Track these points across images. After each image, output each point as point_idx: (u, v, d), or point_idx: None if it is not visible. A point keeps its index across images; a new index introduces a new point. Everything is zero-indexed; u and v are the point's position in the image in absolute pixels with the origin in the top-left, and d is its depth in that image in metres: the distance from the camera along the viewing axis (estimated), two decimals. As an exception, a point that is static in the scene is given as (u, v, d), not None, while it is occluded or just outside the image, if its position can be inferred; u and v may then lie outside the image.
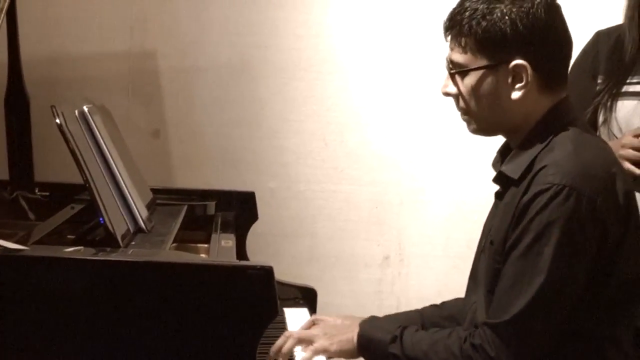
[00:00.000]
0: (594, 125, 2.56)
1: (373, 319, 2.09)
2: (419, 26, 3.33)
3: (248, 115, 3.40)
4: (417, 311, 2.23)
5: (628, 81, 2.52)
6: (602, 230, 1.79)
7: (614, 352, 1.88)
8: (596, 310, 1.85)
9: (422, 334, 1.95)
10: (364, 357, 2.01)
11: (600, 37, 2.63)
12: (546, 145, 1.87)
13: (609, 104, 2.52)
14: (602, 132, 2.55)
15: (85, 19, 3.29)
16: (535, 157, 1.86)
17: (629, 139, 2.44)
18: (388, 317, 2.19)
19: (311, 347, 2.02)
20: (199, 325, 1.85)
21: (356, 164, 3.46)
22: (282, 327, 2.34)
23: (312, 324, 2.16)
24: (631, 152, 2.42)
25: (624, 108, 2.50)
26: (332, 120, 3.44)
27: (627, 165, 2.41)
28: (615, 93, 2.52)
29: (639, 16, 2.51)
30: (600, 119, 2.55)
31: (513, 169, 1.90)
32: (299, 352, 2.04)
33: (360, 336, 2.00)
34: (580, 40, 2.64)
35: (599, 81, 2.57)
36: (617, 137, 2.50)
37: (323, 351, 2.01)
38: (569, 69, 2.59)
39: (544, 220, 1.77)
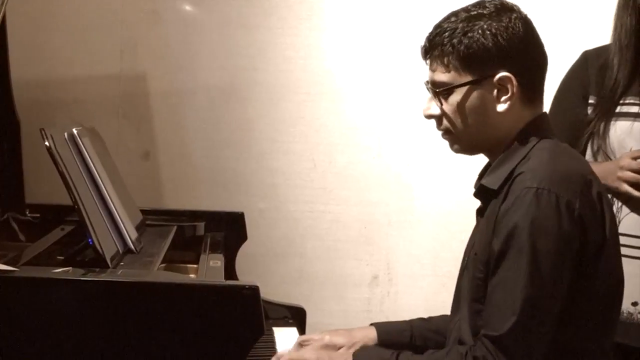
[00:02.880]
0: (584, 154, 2.55)
1: (365, 347, 2.08)
2: (407, 48, 3.36)
3: (237, 137, 3.42)
4: (406, 322, 2.24)
5: (621, 102, 2.51)
6: (581, 233, 1.81)
7: None
8: (583, 322, 1.86)
9: (418, 357, 1.93)
10: None
11: (589, 57, 2.63)
12: (524, 157, 1.89)
13: (602, 127, 2.51)
14: (598, 159, 2.53)
15: (75, 43, 3.31)
16: (514, 168, 1.88)
17: (627, 161, 2.41)
18: (380, 325, 2.22)
19: None
20: (187, 344, 1.86)
21: (345, 185, 3.48)
22: (272, 346, 2.34)
23: (300, 346, 2.15)
24: (630, 175, 2.40)
25: (618, 129, 2.49)
26: (321, 141, 3.46)
27: (625, 188, 2.40)
28: (608, 115, 2.51)
29: (635, 39, 2.50)
30: (595, 146, 2.54)
31: (492, 181, 1.92)
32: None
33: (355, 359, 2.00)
34: (565, 60, 2.68)
35: (591, 101, 2.57)
36: (611, 159, 2.49)
37: None
38: (558, 89, 2.63)
39: (525, 225, 1.78)
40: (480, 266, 1.90)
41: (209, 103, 3.41)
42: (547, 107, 2.17)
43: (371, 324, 2.24)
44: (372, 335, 2.20)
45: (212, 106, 3.41)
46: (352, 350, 2.09)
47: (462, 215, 3.39)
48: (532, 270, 1.78)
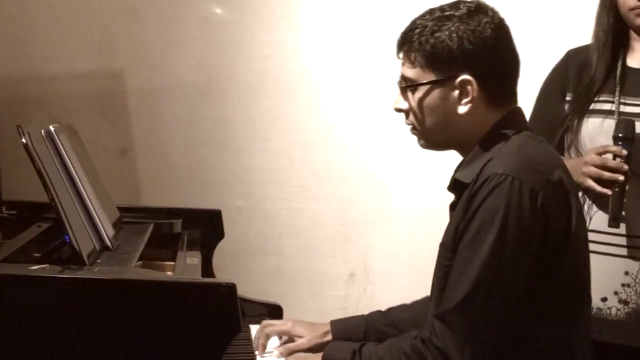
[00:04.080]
0: (562, 150, 2.58)
1: (334, 343, 2.14)
2: (384, 46, 3.35)
3: (214, 134, 3.43)
4: (362, 318, 2.29)
5: (595, 99, 2.54)
6: (544, 223, 1.83)
7: (564, 357, 1.91)
8: (541, 312, 1.88)
9: (380, 344, 1.99)
10: None
11: (570, 56, 2.66)
12: (496, 152, 1.91)
13: (575, 123, 2.54)
14: (571, 154, 2.57)
15: (52, 39, 3.31)
16: (487, 162, 1.90)
17: (592, 157, 2.43)
18: (335, 322, 2.29)
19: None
20: (164, 341, 1.86)
21: (322, 182, 3.49)
22: (248, 343, 2.35)
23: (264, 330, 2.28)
24: (593, 170, 2.41)
25: (590, 126, 2.52)
26: (299, 138, 3.47)
27: (589, 183, 2.42)
28: (582, 112, 2.54)
29: (612, 38, 2.54)
30: (567, 141, 2.58)
31: (466, 175, 1.94)
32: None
33: (324, 358, 2.05)
34: (551, 59, 2.71)
35: (568, 98, 2.60)
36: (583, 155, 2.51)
37: None
38: (541, 87, 2.66)
39: (487, 209, 1.82)
40: (448, 253, 1.93)
41: (186, 100, 3.41)
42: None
43: (331, 321, 2.30)
44: (329, 332, 2.27)
45: (190, 104, 3.41)
46: (307, 345, 2.23)
47: (439, 213, 3.36)
48: (489, 254, 1.80)
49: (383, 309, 2.33)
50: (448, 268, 1.91)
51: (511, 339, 1.87)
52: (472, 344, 1.82)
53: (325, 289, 3.50)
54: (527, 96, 2.60)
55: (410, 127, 2.03)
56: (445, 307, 1.85)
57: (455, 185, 2.00)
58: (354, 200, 3.51)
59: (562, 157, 2.50)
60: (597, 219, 2.48)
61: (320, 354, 2.08)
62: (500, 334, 1.84)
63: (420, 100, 1.95)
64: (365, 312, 2.33)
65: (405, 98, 1.99)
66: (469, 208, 1.85)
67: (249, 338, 2.39)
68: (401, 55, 2.00)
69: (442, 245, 1.98)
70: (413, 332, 1.94)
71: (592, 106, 2.54)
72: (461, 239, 1.86)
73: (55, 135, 2.30)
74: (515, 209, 1.80)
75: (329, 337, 2.26)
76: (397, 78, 2.02)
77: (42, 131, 2.26)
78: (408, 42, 1.96)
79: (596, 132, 2.52)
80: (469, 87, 1.91)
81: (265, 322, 2.36)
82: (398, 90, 2.03)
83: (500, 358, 1.87)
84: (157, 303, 1.88)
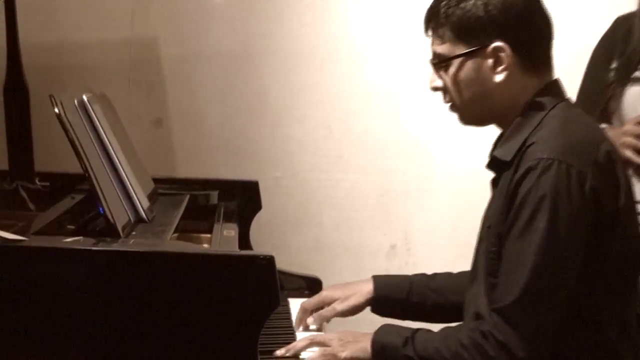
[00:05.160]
0: (607, 117, 2.56)
1: (385, 325, 2.09)
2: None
3: (251, 104, 3.40)
4: (407, 278, 2.29)
5: (639, 67, 2.52)
6: (594, 205, 1.82)
7: (621, 338, 1.90)
8: (602, 293, 1.88)
9: (434, 333, 1.97)
10: None
11: (618, 22, 2.64)
12: (536, 126, 1.90)
13: (618, 91, 2.53)
14: (614, 123, 2.55)
15: (85, 6, 3.29)
16: (526, 138, 1.89)
17: (631, 127, 2.43)
18: (378, 278, 2.28)
19: (322, 350, 2.03)
20: (200, 315, 1.86)
21: (361, 152, 3.46)
22: (287, 317, 2.36)
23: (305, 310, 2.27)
24: (630, 140, 2.41)
25: (631, 94, 2.50)
26: (337, 108, 3.44)
27: (628, 154, 2.42)
28: (625, 80, 2.53)
29: None
30: (611, 111, 2.56)
31: (505, 152, 1.93)
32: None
33: (373, 343, 2.01)
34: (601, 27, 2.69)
35: (613, 66, 2.58)
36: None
37: (333, 356, 2.02)
38: (590, 55, 2.63)
39: (536, 196, 1.80)
40: (494, 239, 1.92)
41: (222, 69, 3.39)
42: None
43: (373, 276, 2.30)
44: (368, 288, 2.27)
45: (226, 72, 3.39)
46: (345, 304, 2.23)
47: (483, 183, 3.35)
48: (542, 242, 1.79)
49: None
50: (494, 254, 1.91)
51: (571, 322, 1.86)
52: (534, 337, 1.82)
53: (365, 262, 3.48)
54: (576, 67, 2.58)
55: (449, 105, 2.02)
56: (504, 301, 1.84)
57: (494, 163, 1.99)
58: (394, 171, 3.48)
59: (606, 126, 2.49)
60: (637, 190, 2.44)
61: (369, 334, 2.05)
62: (560, 321, 1.84)
63: (455, 76, 1.95)
64: (407, 287, 2.31)
65: (440, 76, 2.00)
66: (516, 196, 1.84)
67: (288, 312, 2.39)
68: (429, 32, 2.00)
69: (488, 228, 1.97)
70: (471, 323, 1.94)
71: (635, 74, 2.53)
72: (511, 228, 1.85)
73: (88, 104, 2.30)
74: (565, 194, 1.79)
75: (367, 295, 2.25)
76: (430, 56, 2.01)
77: (75, 100, 2.26)
78: (434, 18, 1.96)
79: (637, 100, 2.50)
80: (502, 54, 1.90)
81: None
82: (432, 70, 2.02)
83: (563, 343, 1.87)
84: (194, 276, 1.87)
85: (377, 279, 2.29)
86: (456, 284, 2.21)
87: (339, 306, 2.25)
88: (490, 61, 1.91)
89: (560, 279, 1.82)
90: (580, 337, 1.89)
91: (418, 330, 1.98)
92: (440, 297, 2.22)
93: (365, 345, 2.01)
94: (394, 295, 2.25)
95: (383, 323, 2.09)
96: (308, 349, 2.06)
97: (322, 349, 2.04)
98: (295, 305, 2.44)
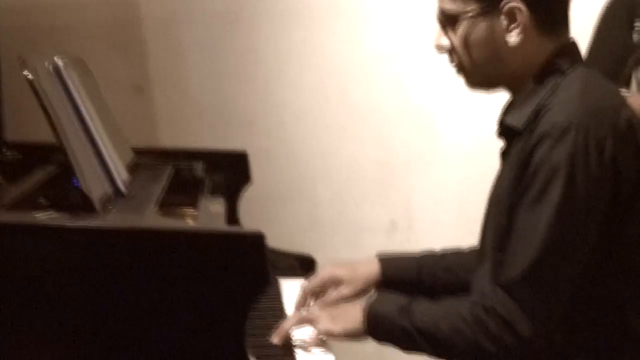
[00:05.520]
0: (627, 82, 2.57)
1: (379, 294, 2.11)
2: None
3: (240, 68, 3.41)
4: (413, 258, 2.28)
5: None
6: (614, 176, 1.81)
7: (638, 320, 1.90)
8: (614, 271, 1.87)
9: (433, 304, 1.96)
10: (371, 335, 2.00)
11: None
12: (552, 91, 1.89)
13: None
14: (635, 88, 2.57)
15: (59, -38, 3.29)
16: (541, 103, 1.88)
17: None
18: (385, 260, 2.25)
19: (314, 330, 2.03)
20: (186, 296, 1.85)
21: (360, 121, 3.47)
22: (278, 298, 2.35)
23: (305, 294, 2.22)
24: None
25: None
26: (334, 72, 3.45)
27: None
28: None
29: None
30: (637, 73, 2.57)
31: (517, 119, 1.93)
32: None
33: (366, 312, 2.00)
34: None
35: (637, 24, 2.58)
36: None
37: (326, 333, 2.02)
38: (601, 15, 2.63)
39: (550, 165, 1.79)
40: (503, 211, 1.91)
41: (208, 30, 3.39)
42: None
43: (377, 255, 2.28)
44: (374, 270, 2.25)
45: (212, 34, 3.39)
46: (353, 288, 2.19)
47: (491, 154, 3.35)
48: (554, 214, 1.79)
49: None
50: (505, 229, 1.89)
51: (587, 305, 1.87)
52: (540, 316, 1.82)
53: (363, 240, 3.49)
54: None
55: (455, 68, 2.01)
56: (510, 275, 1.84)
57: (505, 131, 1.98)
58: (395, 141, 3.49)
59: (626, 91, 2.49)
60: None
61: (357, 304, 2.05)
62: (569, 298, 1.84)
63: (465, 36, 1.93)
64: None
65: (447, 35, 1.98)
66: (529, 164, 1.83)
67: (278, 293, 2.39)
68: None
69: (496, 200, 1.97)
70: (473, 296, 1.94)
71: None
72: (522, 198, 1.84)
73: (63, 69, 2.29)
74: (582, 163, 1.79)
75: (375, 277, 2.24)
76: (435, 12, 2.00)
77: (49, 65, 2.25)
78: None
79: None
80: (517, 14, 1.89)
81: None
82: (438, 27, 2.00)
83: (578, 327, 1.87)
84: (177, 255, 1.86)
85: (383, 259, 2.27)
86: (468, 261, 2.20)
87: (345, 290, 2.22)
88: (504, 21, 1.89)
89: (572, 256, 1.82)
90: (598, 321, 1.89)
91: (413, 300, 1.98)
92: (452, 276, 2.20)
93: (356, 315, 2.00)
94: (403, 277, 2.24)
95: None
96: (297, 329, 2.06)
97: (314, 329, 2.03)
98: (286, 285, 2.44)
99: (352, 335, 2.00)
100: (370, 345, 2.07)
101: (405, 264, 2.27)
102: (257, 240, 1.86)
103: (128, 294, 1.85)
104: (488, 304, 1.84)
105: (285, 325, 2.05)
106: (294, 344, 2.05)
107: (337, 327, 2.00)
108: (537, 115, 1.88)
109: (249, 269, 1.85)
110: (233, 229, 2.00)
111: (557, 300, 1.83)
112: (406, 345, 1.95)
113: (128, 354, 1.85)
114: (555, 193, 1.79)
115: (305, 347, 2.04)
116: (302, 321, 2.06)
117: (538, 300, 1.81)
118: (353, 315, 2.01)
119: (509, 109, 2.00)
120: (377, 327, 1.98)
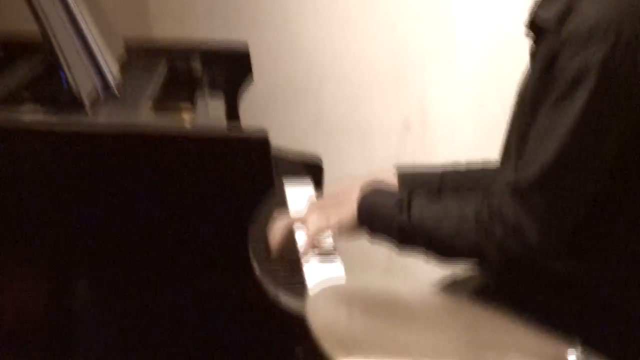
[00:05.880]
0: None
1: (373, 188, 2.08)
2: None
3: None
4: (436, 173, 2.26)
5: None
6: None
7: None
8: (631, 183, 1.87)
9: (434, 199, 1.98)
10: (365, 225, 2.02)
11: None
12: None
13: None
14: None
15: None
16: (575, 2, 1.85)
17: None
18: (404, 173, 2.25)
19: (307, 232, 2.05)
20: (184, 202, 1.87)
21: (370, 14, 3.44)
22: (283, 204, 2.37)
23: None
24: None
25: None
26: (342, -42, 3.41)
27: None
28: None
29: None
30: None
31: (546, 15, 1.90)
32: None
33: (360, 204, 2.01)
34: None
35: None
36: None
37: (318, 231, 2.03)
38: None
39: (579, 66, 1.78)
40: (527, 112, 1.91)
41: None
42: None
43: (396, 169, 2.27)
44: (393, 183, 2.24)
45: None
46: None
47: (514, 51, 3.35)
48: (576, 120, 1.79)
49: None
50: (528, 128, 1.89)
51: (596, 212, 1.87)
52: (549, 222, 1.83)
53: (374, 143, 3.51)
54: None
55: None
56: (522, 177, 1.84)
57: (533, 27, 1.97)
58: (409, 36, 3.46)
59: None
60: None
61: (354, 197, 2.04)
62: (583, 209, 1.85)
63: None
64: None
65: None
66: (556, 63, 1.82)
67: (283, 197, 2.42)
68: None
69: (522, 101, 1.97)
70: (479, 195, 1.93)
71: None
72: (544, 97, 1.84)
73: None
74: (612, 66, 1.77)
75: None
76: None
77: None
78: None
79: None
80: None
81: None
82: None
83: (583, 234, 1.87)
84: (175, 157, 1.87)
85: (402, 174, 2.26)
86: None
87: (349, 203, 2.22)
88: None
89: (590, 163, 1.82)
90: (621, 245, 1.90)
91: (413, 192, 1.99)
92: None
93: (350, 208, 2.01)
94: None
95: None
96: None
97: (306, 229, 2.04)
98: (291, 189, 2.47)
99: (346, 229, 2.02)
100: (380, 254, 2.07)
101: (427, 180, 2.25)
102: (261, 140, 1.86)
103: (120, 203, 1.86)
104: (495, 209, 1.85)
105: (275, 233, 2.05)
106: (300, 252, 2.07)
107: (331, 220, 2.02)
108: (569, 9, 1.85)
109: (253, 171, 1.87)
110: (235, 129, 1.98)
111: (568, 212, 1.84)
112: (400, 240, 1.96)
113: (124, 264, 1.87)
114: (579, 97, 1.78)
115: (312, 256, 2.06)
116: (292, 221, 2.08)
117: (548, 207, 1.82)
118: (347, 208, 2.02)
119: (542, 3, 1.96)
120: (370, 222, 2.00)
